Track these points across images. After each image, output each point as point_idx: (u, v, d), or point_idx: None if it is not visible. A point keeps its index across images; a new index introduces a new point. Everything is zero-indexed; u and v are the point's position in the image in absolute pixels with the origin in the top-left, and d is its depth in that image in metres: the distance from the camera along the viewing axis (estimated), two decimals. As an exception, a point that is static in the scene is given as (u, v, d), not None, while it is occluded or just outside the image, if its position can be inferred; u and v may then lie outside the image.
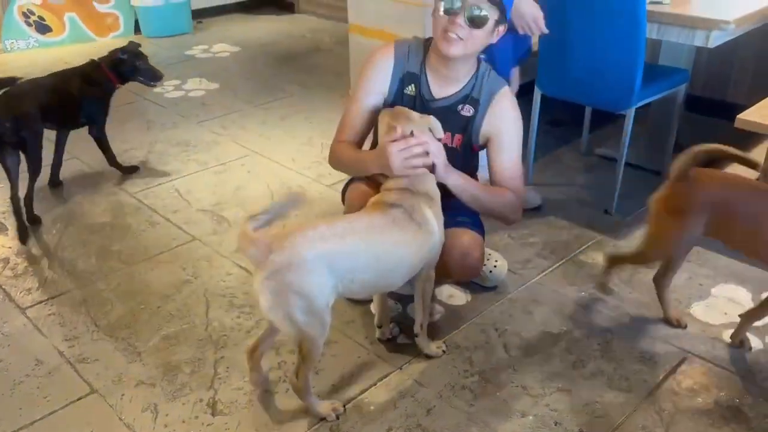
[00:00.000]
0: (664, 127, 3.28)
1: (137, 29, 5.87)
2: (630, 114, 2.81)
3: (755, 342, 2.22)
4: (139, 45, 3.28)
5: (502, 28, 2.00)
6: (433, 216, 1.93)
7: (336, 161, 2.18)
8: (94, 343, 2.25)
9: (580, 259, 2.68)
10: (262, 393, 2.02)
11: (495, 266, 2.46)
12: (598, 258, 2.66)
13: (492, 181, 2.14)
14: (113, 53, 3.18)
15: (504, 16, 1.98)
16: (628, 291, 2.47)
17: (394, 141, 1.90)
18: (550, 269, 2.61)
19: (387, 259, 1.86)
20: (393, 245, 1.86)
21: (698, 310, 2.38)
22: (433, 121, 1.95)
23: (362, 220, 1.88)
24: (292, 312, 1.72)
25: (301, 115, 4.10)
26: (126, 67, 3.18)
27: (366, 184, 2.11)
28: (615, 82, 2.76)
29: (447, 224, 2.05)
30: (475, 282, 2.48)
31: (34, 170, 2.92)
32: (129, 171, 3.40)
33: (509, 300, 2.44)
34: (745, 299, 2.42)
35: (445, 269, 2.11)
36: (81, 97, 3.10)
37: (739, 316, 2.22)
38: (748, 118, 2.57)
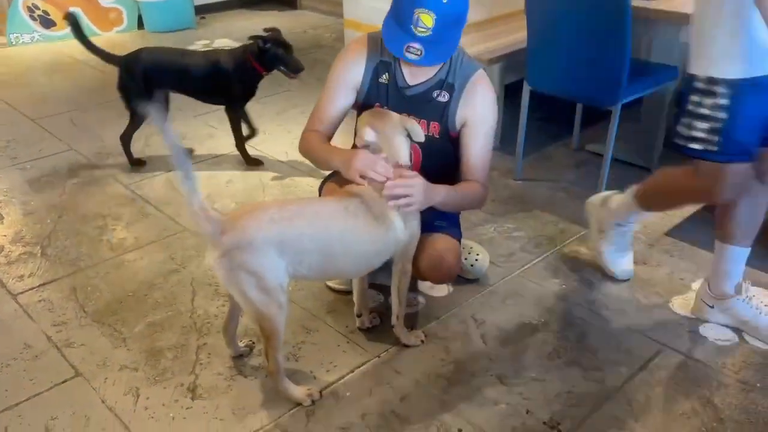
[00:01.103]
0: (654, 124, 3.30)
1: (140, 24, 5.93)
2: (616, 110, 2.83)
3: (729, 335, 2.24)
4: (280, 32, 3.29)
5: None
6: (397, 213, 1.94)
7: (305, 150, 2.21)
8: (81, 329, 2.30)
9: (563, 252, 2.71)
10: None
11: (476, 260, 2.50)
12: (582, 251, 2.69)
13: (462, 167, 2.17)
14: (255, 41, 3.19)
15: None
16: (608, 284, 2.50)
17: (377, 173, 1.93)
18: (533, 262, 2.64)
19: (332, 245, 1.89)
20: (338, 232, 1.89)
21: (677, 303, 2.40)
22: (411, 125, 1.98)
23: (313, 206, 1.94)
24: (246, 289, 1.79)
25: (297, 109, 4.15)
26: (268, 55, 3.20)
27: (342, 182, 2.13)
28: (601, 78, 2.78)
29: (423, 228, 2.08)
30: (458, 275, 2.51)
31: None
32: (253, 162, 3.45)
33: (490, 292, 2.47)
34: (724, 294, 2.44)
35: (419, 273, 2.15)
36: (228, 78, 3.23)
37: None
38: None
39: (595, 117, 3.57)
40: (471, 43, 3.47)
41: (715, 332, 2.25)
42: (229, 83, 3.26)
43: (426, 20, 1.91)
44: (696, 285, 2.48)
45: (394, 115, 2.01)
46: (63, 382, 2.07)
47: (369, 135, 1.96)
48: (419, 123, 2.14)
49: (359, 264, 2.00)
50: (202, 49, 3.48)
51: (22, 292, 2.49)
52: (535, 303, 2.41)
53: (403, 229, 1.96)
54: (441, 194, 2.02)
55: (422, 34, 1.93)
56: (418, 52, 1.94)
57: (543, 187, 3.23)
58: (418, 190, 1.92)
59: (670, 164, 2.22)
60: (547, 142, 3.67)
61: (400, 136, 1.97)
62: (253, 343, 2.19)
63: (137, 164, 3.44)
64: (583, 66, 2.81)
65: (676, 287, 2.49)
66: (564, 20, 2.78)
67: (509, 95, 3.52)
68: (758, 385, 2.04)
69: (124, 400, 2.00)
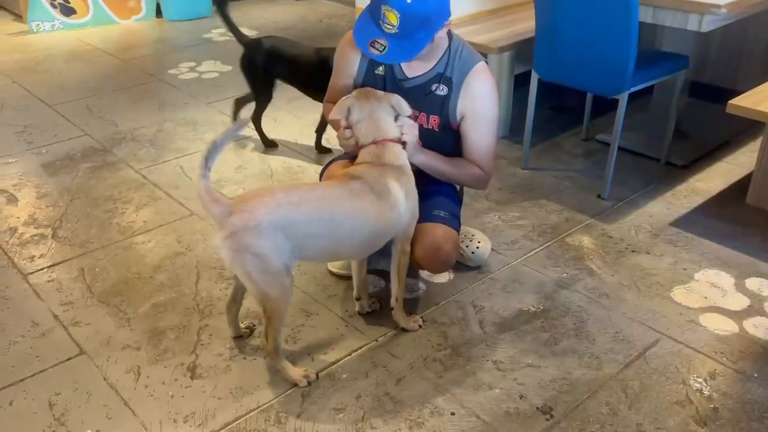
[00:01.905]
0: (663, 114, 3.27)
1: (159, 12, 5.99)
2: (623, 98, 2.81)
3: (729, 325, 2.23)
4: None
5: (442, 32, 2.03)
6: (399, 188, 1.98)
7: (326, 116, 2.34)
8: (87, 309, 2.35)
9: (566, 241, 2.70)
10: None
11: (477, 247, 2.50)
12: (585, 240, 2.69)
13: (463, 155, 2.18)
14: None
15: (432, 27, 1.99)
16: (610, 273, 2.49)
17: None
18: (535, 251, 2.64)
19: (340, 228, 1.92)
20: (345, 215, 1.92)
21: (678, 293, 2.39)
22: (395, 99, 2.01)
23: (319, 190, 1.96)
24: (250, 271, 1.82)
25: (308, 98, 4.15)
26: None
27: (340, 166, 2.16)
28: (608, 67, 2.77)
29: (422, 217, 2.12)
30: (459, 262, 2.53)
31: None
32: (323, 150, 3.47)
33: (491, 279, 2.48)
34: (727, 284, 2.43)
35: (416, 262, 2.17)
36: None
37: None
38: (740, 104, 2.57)
39: (606, 107, 3.54)
40: (482, 32, 3.47)
41: (714, 322, 2.24)
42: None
43: (391, 18, 1.93)
44: (699, 276, 2.47)
45: (380, 92, 2.04)
46: (67, 359, 2.13)
47: (354, 113, 2.01)
48: (419, 116, 2.16)
49: (364, 245, 2.02)
50: (315, 45, 3.44)
51: (32, 272, 2.55)
52: (535, 291, 2.42)
53: (405, 205, 2.00)
54: (425, 153, 2.09)
55: (389, 31, 1.95)
56: (381, 48, 1.95)
57: (550, 176, 3.22)
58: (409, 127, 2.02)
59: (678, 155, 2.20)
60: (557, 131, 3.66)
61: (385, 114, 2.01)
62: (254, 325, 2.22)
63: (271, 146, 3.53)
64: (589, 55, 2.79)
65: (679, 277, 2.47)
66: (570, 8, 2.77)
67: (520, 85, 3.51)
68: (755, 375, 2.03)
69: (126, 378, 2.05)
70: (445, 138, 2.20)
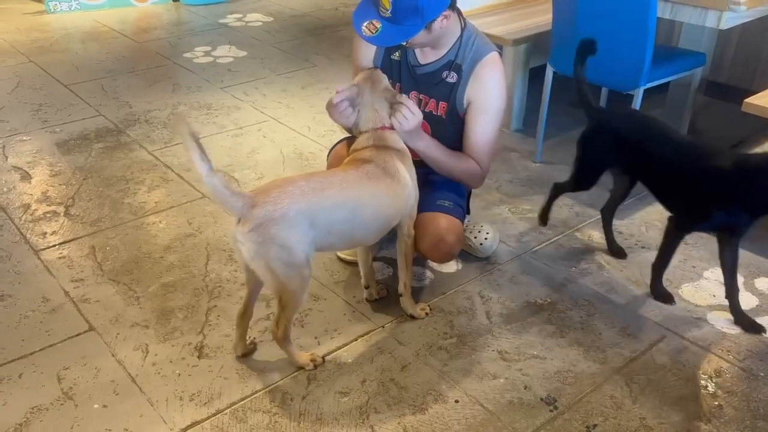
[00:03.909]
0: (678, 111, 3.25)
1: (175, -4, 6.00)
2: (638, 94, 2.80)
3: (738, 324, 2.22)
4: None
5: (442, 22, 2.03)
6: (404, 168, 2.01)
7: None
8: (97, 286, 2.37)
9: (575, 236, 2.70)
10: (239, 358, 2.06)
11: (486, 238, 2.50)
12: (595, 235, 2.68)
13: (463, 146, 2.19)
14: None
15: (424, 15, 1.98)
16: (618, 269, 2.49)
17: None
18: (544, 244, 2.64)
19: (363, 211, 1.93)
20: (369, 197, 1.94)
21: (687, 290, 2.38)
22: (376, 73, 2.07)
23: (337, 176, 1.95)
24: (274, 264, 1.80)
25: (321, 84, 4.17)
26: None
27: (345, 147, 2.18)
28: (624, 61, 2.75)
29: (426, 207, 2.14)
30: (468, 252, 2.53)
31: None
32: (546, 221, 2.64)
33: (499, 270, 2.48)
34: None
35: (420, 251, 2.18)
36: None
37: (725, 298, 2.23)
38: (756, 102, 2.55)
39: (621, 103, 3.52)
40: (498, 23, 3.45)
41: (722, 320, 2.23)
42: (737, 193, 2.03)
43: (384, 1, 1.95)
44: (708, 274, 2.46)
45: (382, 84, 2.05)
46: (77, 335, 2.15)
47: (359, 98, 2.04)
48: (428, 102, 2.18)
49: (380, 226, 2.02)
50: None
51: (44, 249, 2.57)
52: (542, 283, 2.42)
53: (411, 185, 2.02)
54: (425, 140, 2.09)
55: (383, 14, 1.97)
56: (374, 30, 1.97)
57: (562, 170, 3.19)
58: (409, 110, 2.00)
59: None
60: (571, 126, 3.63)
61: (381, 103, 2.03)
62: (257, 341, 2.13)
63: (620, 256, 2.55)
64: (605, 48, 2.76)
65: (688, 275, 2.47)
66: (589, 1, 2.75)
67: (536, 78, 3.49)
68: (761, 374, 2.02)
69: (134, 355, 2.07)
70: (453, 126, 2.21)
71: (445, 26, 2.05)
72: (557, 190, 2.60)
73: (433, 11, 1.97)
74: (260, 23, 5.45)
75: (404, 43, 2.05)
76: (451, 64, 2.13)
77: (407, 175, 2.01)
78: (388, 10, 1.95)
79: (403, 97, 2.01)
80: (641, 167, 2.31)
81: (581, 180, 2.51)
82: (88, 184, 3.04)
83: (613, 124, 2.37)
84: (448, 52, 2.13)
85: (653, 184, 2.30)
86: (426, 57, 2.16)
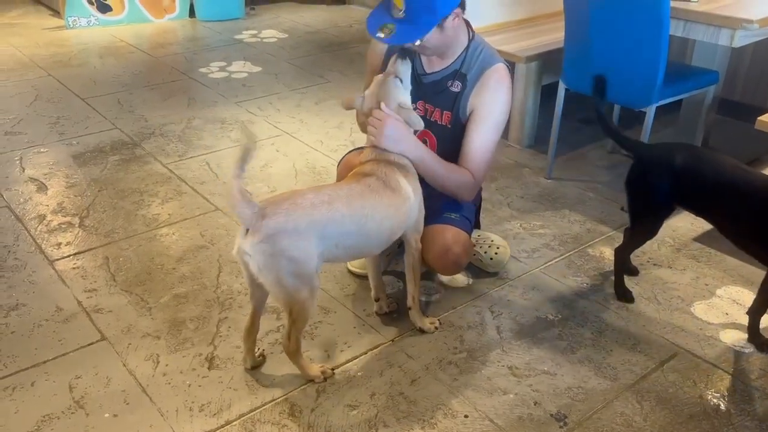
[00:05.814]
0: (691, 129, 3.25)
1: (192, 12, 6.08)
2: (650, 111, 2.80)
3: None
4: None
5: (454, 21, 2.05)
6: (407, 183, 2.02)
7: None
8: (110, 296, 2.39)
9: (587, 252, 2.69)
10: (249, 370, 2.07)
11: (496, 253, 2.50)
12: (606, 252, 2.68)
13: (460, 155, 2.19)
14: None
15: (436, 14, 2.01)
16: (630, 285, 2.47)
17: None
18: (556, 260, 2.64)
19: (368, 223, 1.94)
20: (372, 209, 1.94)
21: (699, 308, 2.37)
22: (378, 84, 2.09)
23: (343, 188, 1.97)
24: (282, 276, 1.81)
25: (335, 100, 4.20)
26: None
27: (355, 156, 2.22)
28: (636, 79, 2.76)
29: (433, 220, 2.15)
30: (478, 267, 2.53)
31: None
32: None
33: (509, 285, 2.48)
34: (749, 301, 2.39)
35: (427, 263, 2.19)
36: None
37: (746, 313, 2.21)
38: (768, 120, 2.55)
39: (634, 120, 3.53)
40: (510, 41, 3.48)
41: (734, 338, 2.22)
42: None
43: (397, 1, 1.98)
44: (721, 292, 2.45)
45: (381, 96, 2.07)
46: (89, 344, 2.17)
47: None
48: (434, 112, 2.21)
49: (382, 239, 2.03)
50: None
51: (58, 259, 2.60)
52: (554, 299, 2.41)
53: (413, 199, 2.03)
54: (419, 150, 2.07)
55: (396, 16, 2.00)
56: (388, 32, 2.00)
57: (574, 186, 3.21)
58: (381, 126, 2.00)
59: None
60: (583, 142, 3.65)
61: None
62: (266, 353, 2.13)
63: (627, 300, 2.40)
64: (618, 66, 2.79)
65: (700, 292, 2.45)
66: (601, 19, 2.77)
67: (547, 95, 3.51)
68: (775, 393, 2.01)
69: (145, 365, 2.08)
70: (457, 135, 2.21)
71: (456, 26, 2.08)
72: (620, 255, 2.39)
73: (446, 7, 2.01)
74: (275, 39, 5.51)
75: (415, 46, 2.06)
76: (456, 74, 2.16)
77: (409, 189, 2.02)
78: (401, 11, 1.98)
79: (375, 111, 2.03)
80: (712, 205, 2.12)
81: (638, 223, 2.28)
82: (102, 195, 3.07)
83: (675, 162, 2.14)
84: (454, 61, 2.16)
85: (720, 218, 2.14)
86: (432, 65, 2.19)
